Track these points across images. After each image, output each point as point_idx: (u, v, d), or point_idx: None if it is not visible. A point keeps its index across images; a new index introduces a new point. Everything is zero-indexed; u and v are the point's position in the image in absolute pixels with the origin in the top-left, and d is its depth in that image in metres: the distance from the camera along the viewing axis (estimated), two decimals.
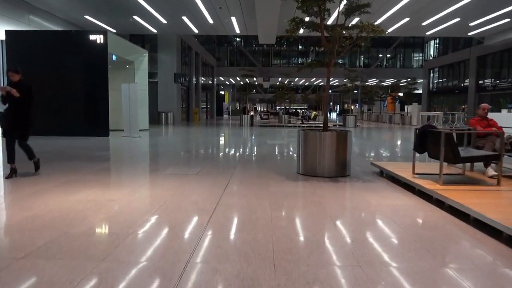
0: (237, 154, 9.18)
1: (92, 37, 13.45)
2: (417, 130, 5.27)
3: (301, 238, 3.23)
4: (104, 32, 13.55)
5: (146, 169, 6.82)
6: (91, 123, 13.71)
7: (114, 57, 15.96)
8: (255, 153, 9.52)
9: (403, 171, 5.77)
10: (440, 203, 4.42)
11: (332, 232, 3.39)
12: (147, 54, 18.12)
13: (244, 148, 10.44)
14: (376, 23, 6.01)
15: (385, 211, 4.16)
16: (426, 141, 5.16)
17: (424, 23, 18.73)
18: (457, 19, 18.07)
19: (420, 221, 3.84)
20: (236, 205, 4.28)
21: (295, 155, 9.18)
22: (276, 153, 9.48)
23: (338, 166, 6.10)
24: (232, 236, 3.24)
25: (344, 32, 5.77)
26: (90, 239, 3.14)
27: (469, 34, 21.35)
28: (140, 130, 16.72)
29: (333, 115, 57.45)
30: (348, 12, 6.13)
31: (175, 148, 10.62)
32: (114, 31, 20.33)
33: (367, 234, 3.36)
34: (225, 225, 3.53)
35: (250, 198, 4.62)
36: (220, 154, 9.32)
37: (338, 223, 3.67)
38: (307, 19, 6.36)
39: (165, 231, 3.38)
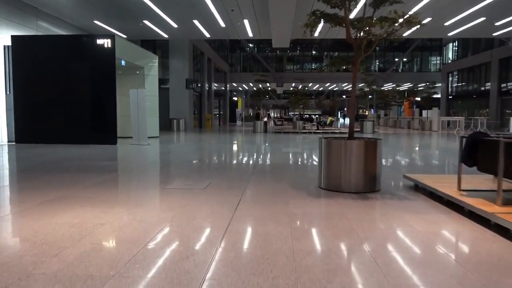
0: (250, 163, 8.40)
1: (99, 41, 12.91)
2: (466, 139, 4.41)
3: (337, 286, 2.42)
4: (111, 36, 13.00)
5: (149, 183, 6.10)
6: (98, 131, 13.13)
7: (123, 62, 15.43)
8: (270, 162, 8.73)
9: (445, 186, 4.91)
10: (502, 230, 3.55)
11: (376, 276, 2.57)
12: (157, 59, 17.57)
13: (257, 157, 9.66)
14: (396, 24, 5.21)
15: (436, 241, 3.32)
16: (477, 152, 4.30)
17: (446, 23, 17.75)
18: (482, 19, 17.05)
19: (485, 257, 2.99)
20: (249, 234, 3.49)
21: (314, 163, 8.36)
22: (293, 163, 8.68)
23: (367, 180, 5.26)
24: (243, 284, 2.46)
25: (374, 23, 4.95)
26: (57, 287, 2.39)
27: (494, 34, 20.25)
28: (150, 137, 16.12)
29: (347, 121, 56.30)
30: (377, 2, 5.33)
31: (184, 157, 9.91)
32: (125, 36, 19.89)
33: (424, 279, 2.53)
34: (234, 265, 2.74)
35: (266, 222, 3.83)
36: (232, 164, 8.55)
37: (381, 261, 2.85)
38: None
39: (155, 274, 2.61)
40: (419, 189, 5.54)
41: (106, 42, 12.88)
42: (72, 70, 13.08)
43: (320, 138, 5.57)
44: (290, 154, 10.51)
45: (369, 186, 5.28)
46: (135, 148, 11.96)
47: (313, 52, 52.15)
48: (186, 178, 6.50)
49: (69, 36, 15.52)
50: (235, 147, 13.06)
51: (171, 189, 5.47)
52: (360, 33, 5.38)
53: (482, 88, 34.90)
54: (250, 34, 20.33)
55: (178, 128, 24.01)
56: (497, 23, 17.83)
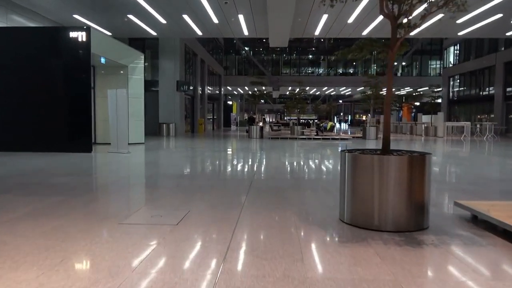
0: (245, 180, 6.77)
1: (72, 34, 11.25)
2: None
3: None
4: (86, 28, 11.35)
5: (102, 212, 4.45)
6: (70, 137, 11.45)
7: (102, 60, 13.81)
8: (269, 178, 7.11)
9: None
10: None
11: None
12: (143, 58, 15.94)
13: (253, 171, 8.03)
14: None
15: None
16: None
17: (459, 21, 16.32)
18: (499, 15, 15.62)
19: None
20: None
21: (325, 180, 6.75)
22: (299, 179, 7.06)
23: (412, 213, 3.67)
24: None
25: None
26: None
27: (508, 34, 18.86)
28: (132, 144, 14.47)
29: (344, 126, 54.81)
30: None
31: (165, 170, 8.27)
32: (110, 33, 18.25)
33: None
34: None
35: None
36: (222, 180, 6.92)
37: None
38: None
39: None
40: (480, 222, 3.97)
41: (80, 36, 11.23)
42: (40, 68, 11.39)
43: (343, 153, 3.97)
44: (293, 166, 8.90)
45: (414, 221, 3.69)
46: (112, 157, 10.31)
47: (310, 56, 50.80)
48: (159, 204, 4.87)
49: (37, 28, 13.73)
50: (227, 157, 11.44)
51: (129, 225, 3.83)
52: (395, 7, 3.82)
53: (486, 93, 33.60)
54: (246, 32, 18.76)
55: (168, 133, 22.34)
56: None
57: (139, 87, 15.61)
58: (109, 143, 12.32)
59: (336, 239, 3.44)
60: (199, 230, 3.69)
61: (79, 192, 5.52)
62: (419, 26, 3.68)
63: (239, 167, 8.80)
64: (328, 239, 3.44)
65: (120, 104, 11.63)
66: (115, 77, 15.32)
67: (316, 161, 10.17)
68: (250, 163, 9.49)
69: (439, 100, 37.91)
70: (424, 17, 3.62)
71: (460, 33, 18.56)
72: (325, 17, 16.08)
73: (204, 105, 30.85)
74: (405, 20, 3.80)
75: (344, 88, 49.32)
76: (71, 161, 9.38)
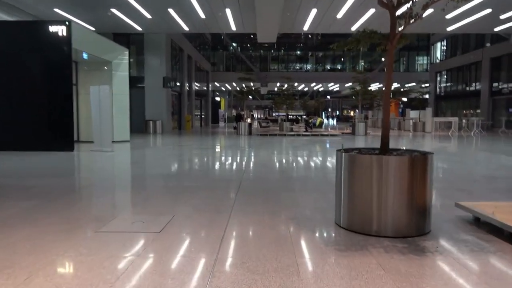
0: (233, 181, 6.47)
1: (51, 28, 10.75)
2: None
3: None
4: (66, 22, 10.86)
5: (77, 219, 4.11)
6: (51, 135, 10.97)
7: (85, 55, 13.30)
8: (259, 177, 6.82)
9: None
10: None
11: None
12: (127, 53, 15.45)
13: (242, 171, 7.73)
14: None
15: None
16: None
17: (448, 16, 16.21)
18: (488, 11, 15.56)
19: None
20: None
21: (318, 177, 6.49)
22: (291, 178, 6.79)
23: (413, 217, 3.42)
24: None
25: None
26: None
27: (496, 29, 18.86)
28: (118, 142, 14.04)
29: (332, 121, 54.81)
30: None
31: (149, 170, 7.91)
32: (93, 29, 17.67)
33: None
34: None
35: None
36: (210, 181, 6.61)
37: None
38: None
39: None
40: (482, 224, 3.74)
41: (60, 30, 10.74)
42: (19, 64, 10.87)
43: (340, 152, 3.69)
44: (284, 165, 8.62)
45: (415, 226, 3.44)
46: (94, 156, 9.90)
47: (298, 52, 50.59)
48: (141, 208, 4.54)
49: (14, 22, 13.15)
50: (215, 156, 11.12)
51: (107, 233, 3.50)
52: None
53: (472, 88, 33.85)
54: (233, 28, 18.39)
55: (155, 131, 21.86)
56: (503, 16, 16.39)
57: (123, 84, 15.13)
58: (92, 142, 11.87)
59: (334, 247, 3.16)
60: (184, 238, 3.38)
61: (54, 195, 5.14)
62: (421, 16, 3.41)
63: (227, 167, 8.48)
64: (325, 247, 3.16)
65: (103, 101, 11.19)
66: (99, 73, 14.81)
67: (307, 159, 9.92)
68: (238, 162, 9.19)
69: (427, 96, 38.11)
70: (426, 6, 3.36)
71: (449, 29, 18.50)
72: (314, 12, 15.79)
73: (192, 101, 30.36)
74: (404, 9, 3.53)
75: (332, 84, 49.29)
76: (50, 160, 8.94)
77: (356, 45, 3.63)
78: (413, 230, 3.43)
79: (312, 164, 8.98)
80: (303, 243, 3.24)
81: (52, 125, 10.99)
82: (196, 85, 32.10)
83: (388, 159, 3.42)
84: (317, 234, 3.50)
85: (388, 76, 3.65)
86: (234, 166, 8.35)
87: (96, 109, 11.29)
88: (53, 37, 10.76)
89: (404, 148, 3.76)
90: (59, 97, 10.95)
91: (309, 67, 50.50)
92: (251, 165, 8.53)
